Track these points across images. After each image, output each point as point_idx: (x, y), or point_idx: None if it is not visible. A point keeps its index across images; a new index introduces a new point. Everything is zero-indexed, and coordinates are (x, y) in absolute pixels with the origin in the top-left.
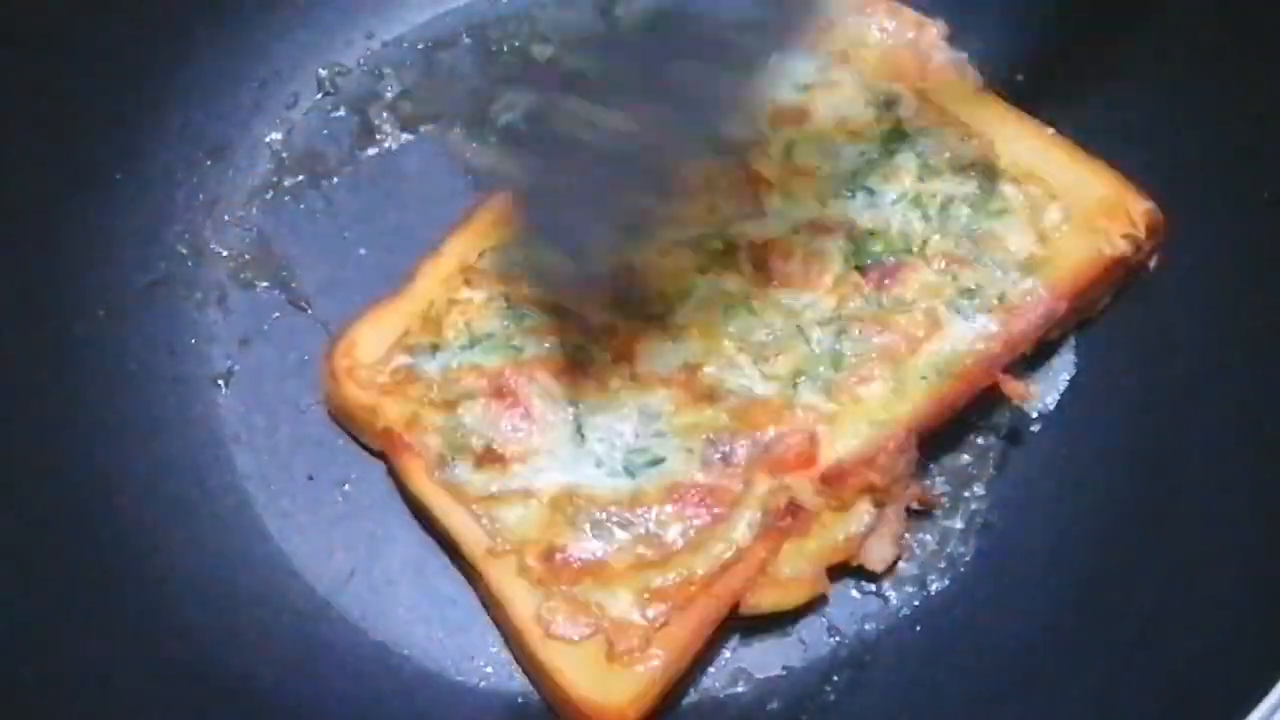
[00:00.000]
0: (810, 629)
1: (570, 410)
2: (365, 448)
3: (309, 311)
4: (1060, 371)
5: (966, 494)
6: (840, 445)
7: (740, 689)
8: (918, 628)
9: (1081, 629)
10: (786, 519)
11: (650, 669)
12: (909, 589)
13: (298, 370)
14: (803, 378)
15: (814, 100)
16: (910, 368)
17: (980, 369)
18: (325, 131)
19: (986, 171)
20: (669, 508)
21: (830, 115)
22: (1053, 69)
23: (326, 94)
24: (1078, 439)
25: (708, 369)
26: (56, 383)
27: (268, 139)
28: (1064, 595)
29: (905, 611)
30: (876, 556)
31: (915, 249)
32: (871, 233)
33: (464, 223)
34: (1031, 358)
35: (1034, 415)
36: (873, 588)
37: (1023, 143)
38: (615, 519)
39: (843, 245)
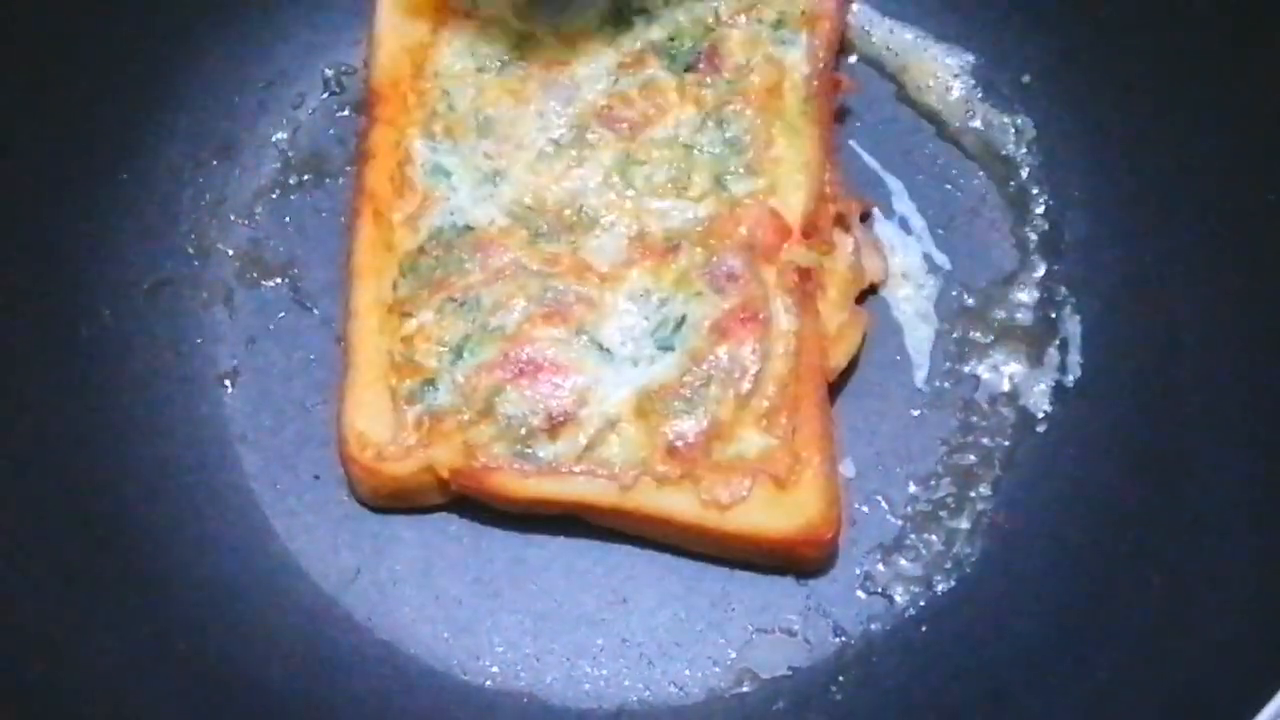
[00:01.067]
0: (816, 630)
1: (582, 339)
2: (430, 509)
3: (315, 311)
4: (1066, 372)
5: (972, 494)
6: (794, 202)
7: (746, 689)
8: (923, 628)
9: (1086, 630)
10: (804, 284)
11: (817, 471)
12: (914, 589)
13: (304, 369)
14: (723, 178)
15: None
16: (790, 110)
17: (828, 74)
18: (331, 131)
19: None
20: (723, 347)
21: None
22: (1060, 72)
23: (332, 94)
24: (1083, 439)
25: (649, 230)
26: (62, 383)
27: (274, 139)
28: (1069, 596)
29: (911, 612)
30: (876, 268)
31: (713, 24)
32: (672, 38)
33: (348, 275)
34: (1037, 357)
35: (1040, 415)
36: (879, 589)
37: None
38: (693, 385)
39: (661, 64)
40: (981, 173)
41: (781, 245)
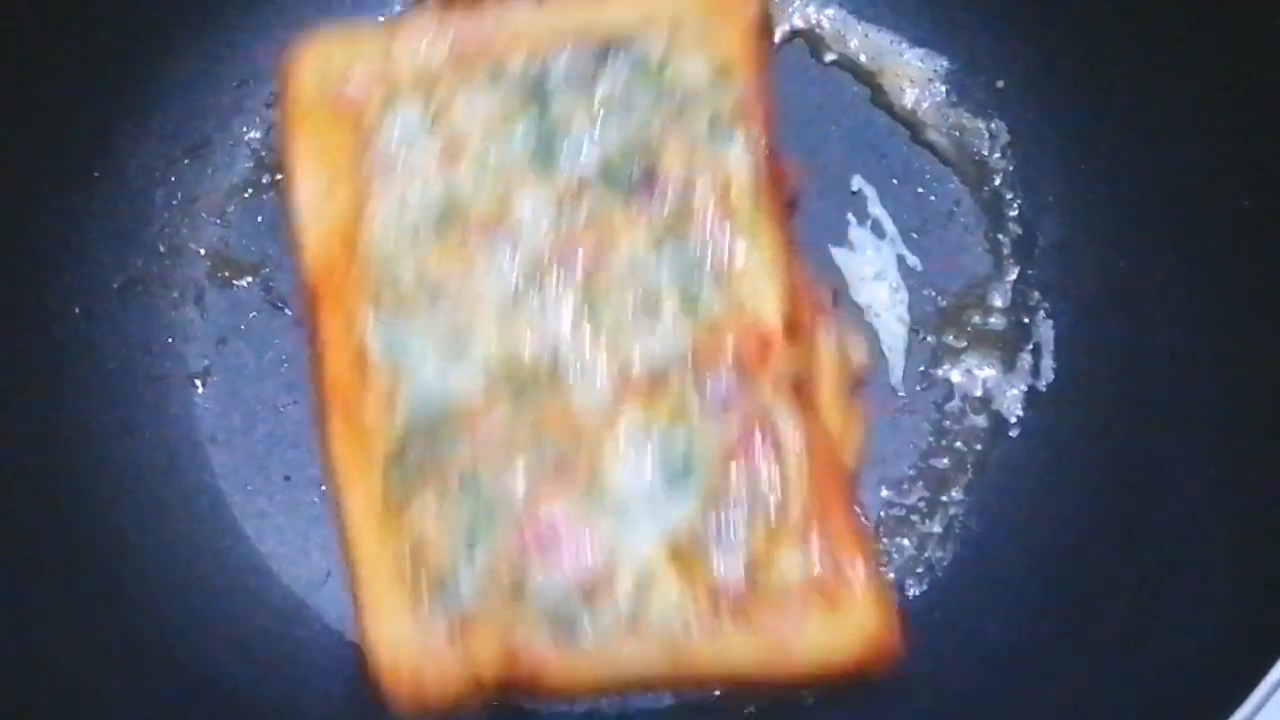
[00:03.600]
0: None
1: (593, 496)
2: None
3: (287, 311)
4: (1039, 377)
5: (944, 498)
6: (769, 308)
7: (717, 692)
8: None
9: (1059, 634)
10: (801, 390)
11: (864, 577)
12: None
13: (275, 369)
14: (693, 298)
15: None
16: (743, 212)
17: (773, 164)
18: None
19: (613, 43)
20: (738, 475)
21: (471, 115)
22: (1034, 77)
23: None
24: (1056, 443)
25: (631, 366)
26: (32, 382)
27: (246, 138)
28: (1042, 600)
29: None
30: (860, 355)
31: (643, 140)
32: (606, 165)
33: (329, 479)
34: (1010, 362)
35: (1012, 420)
36: None
37: (612, 4)
38: (719, 521)
39: (602, 191)
40: (955, 177)
41: (768, 355)
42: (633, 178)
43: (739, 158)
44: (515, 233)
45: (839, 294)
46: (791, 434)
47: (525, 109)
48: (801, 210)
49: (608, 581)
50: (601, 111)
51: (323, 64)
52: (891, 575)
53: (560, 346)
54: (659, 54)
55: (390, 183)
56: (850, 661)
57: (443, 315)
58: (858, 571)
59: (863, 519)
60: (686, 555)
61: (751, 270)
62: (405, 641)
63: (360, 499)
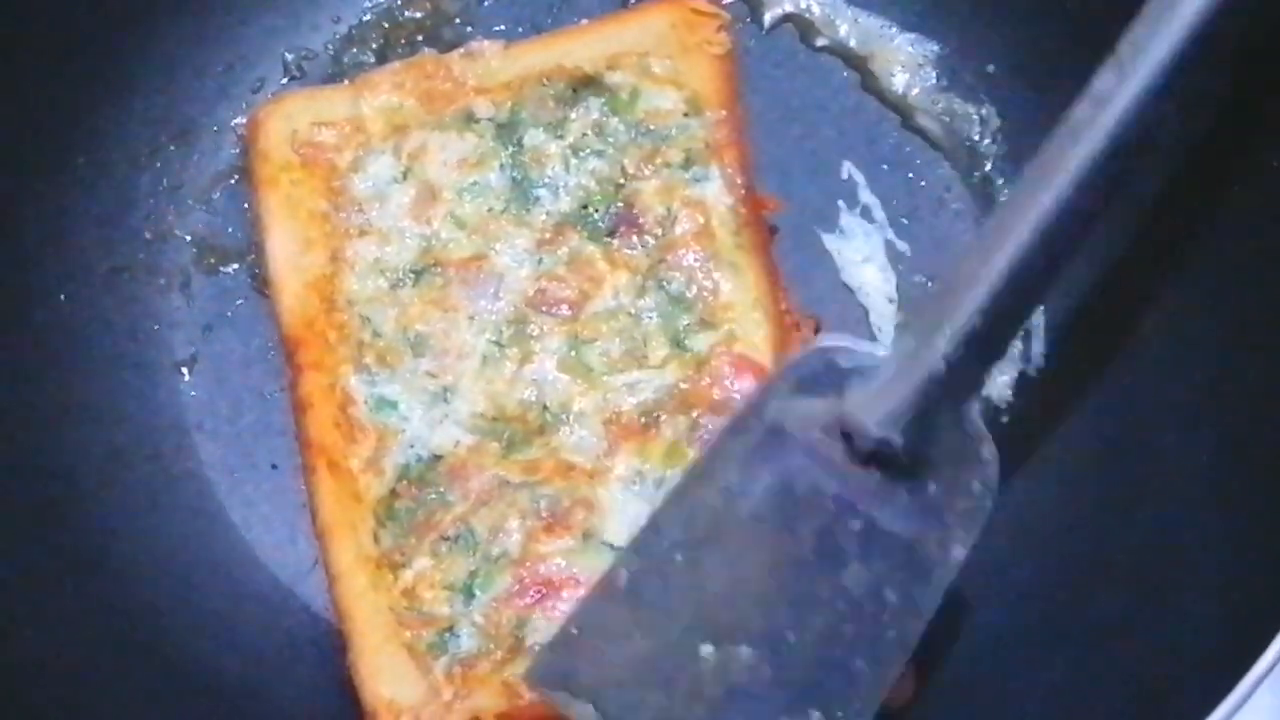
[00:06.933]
0: None
1: (591, 543)
2: None
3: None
4: (1029, 363)
5: None
6: (759, 340)
7: None
8: None
9: (1049, 621)
10: None
11: None
12: None
13: (262, 356)
14: (680, 337)
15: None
16: (724, 246)
17: (751, 196)
18: None
19: (583, 83)
20: None
21: (443, 163)
22: (1025, 61)
23: (293, 78)
24: (1046, 429)
25: (621, 410)
26: (16, 369)
27: (232, 123)
28: (1031, 587)
29: None
30: None
31: (621, 180)
32: (584, 206)
33: (317, 535)
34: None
35: (1002, 405)
36: None
37: (579, 44)
38: None
39: (581, 234)
40: (946, 162)
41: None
42: (611, 218)
43: (716, 193)
44: (495, 279)
45: (821, 325)
46: None
47: (497, 153)
48: (791, 197)
49: None
50: (575, 152)
51: (290, 121)
52: None
53: (548, 393)
54: (628, 91)
55: (365, 234)
56: None
57: (426, 366)
58: None
59: None
60: None
61: (738, 304)
62: (404, 689)
63: (349, 553)
